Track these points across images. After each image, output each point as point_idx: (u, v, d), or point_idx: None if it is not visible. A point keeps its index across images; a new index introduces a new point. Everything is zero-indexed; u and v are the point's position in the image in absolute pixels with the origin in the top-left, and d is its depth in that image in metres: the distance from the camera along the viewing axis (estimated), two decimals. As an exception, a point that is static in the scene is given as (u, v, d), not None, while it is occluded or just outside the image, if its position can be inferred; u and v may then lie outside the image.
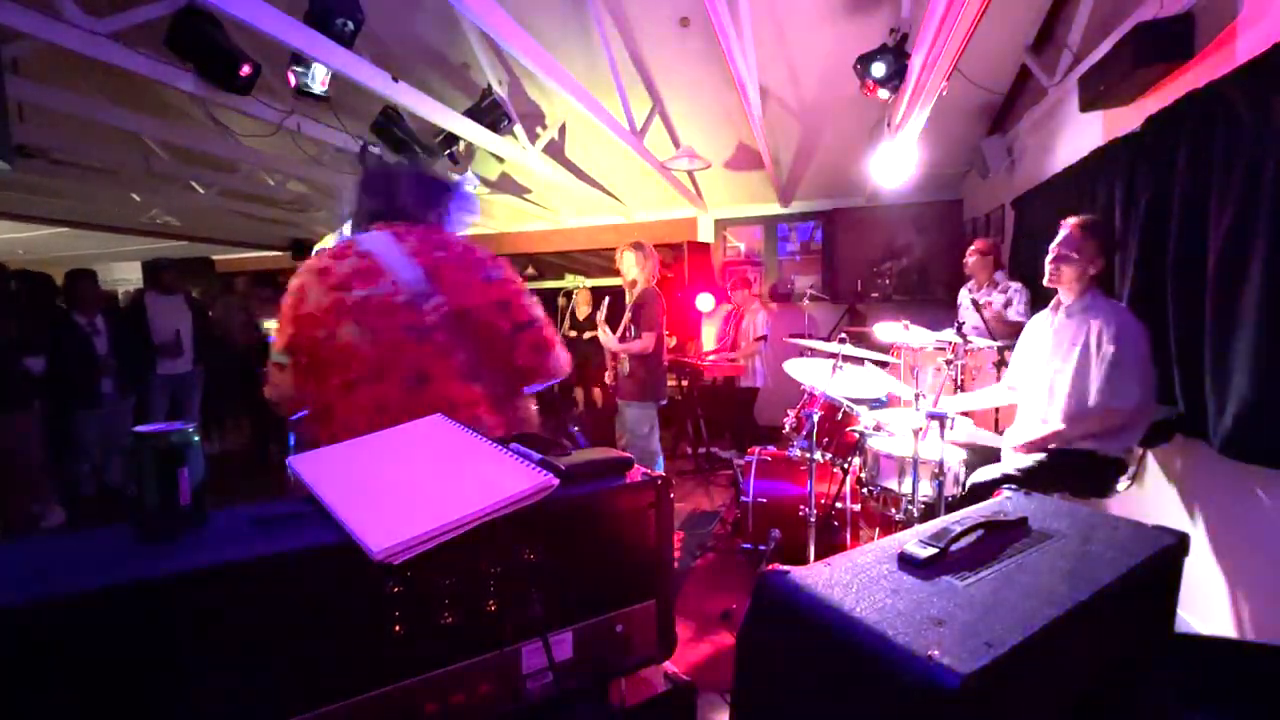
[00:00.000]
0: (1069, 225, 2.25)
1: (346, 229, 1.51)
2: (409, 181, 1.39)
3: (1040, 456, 2.23)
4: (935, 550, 0.82)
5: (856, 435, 2.84)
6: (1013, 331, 3.49)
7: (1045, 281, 2.32)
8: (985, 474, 2.29)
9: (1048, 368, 2.30)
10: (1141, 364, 2.09)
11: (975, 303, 3.67)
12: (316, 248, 1.53)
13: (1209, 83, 1.96)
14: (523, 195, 6.61)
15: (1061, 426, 2.19)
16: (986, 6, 2.05)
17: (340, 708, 0.71)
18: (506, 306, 1.29)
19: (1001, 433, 2.71)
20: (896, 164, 3.92)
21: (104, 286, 4.74)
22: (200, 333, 5.04)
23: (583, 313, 6.46)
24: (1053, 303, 2.37)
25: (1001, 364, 3.40)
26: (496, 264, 1.33)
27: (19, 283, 4.17)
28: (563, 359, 1.35)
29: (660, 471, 0.97)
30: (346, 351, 1.19)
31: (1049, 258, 2.27)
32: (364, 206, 1.39)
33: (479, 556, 0.80)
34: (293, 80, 3.27)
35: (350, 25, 2.82)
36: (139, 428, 0.74)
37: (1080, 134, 3.15)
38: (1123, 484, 2.30)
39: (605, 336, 3.61)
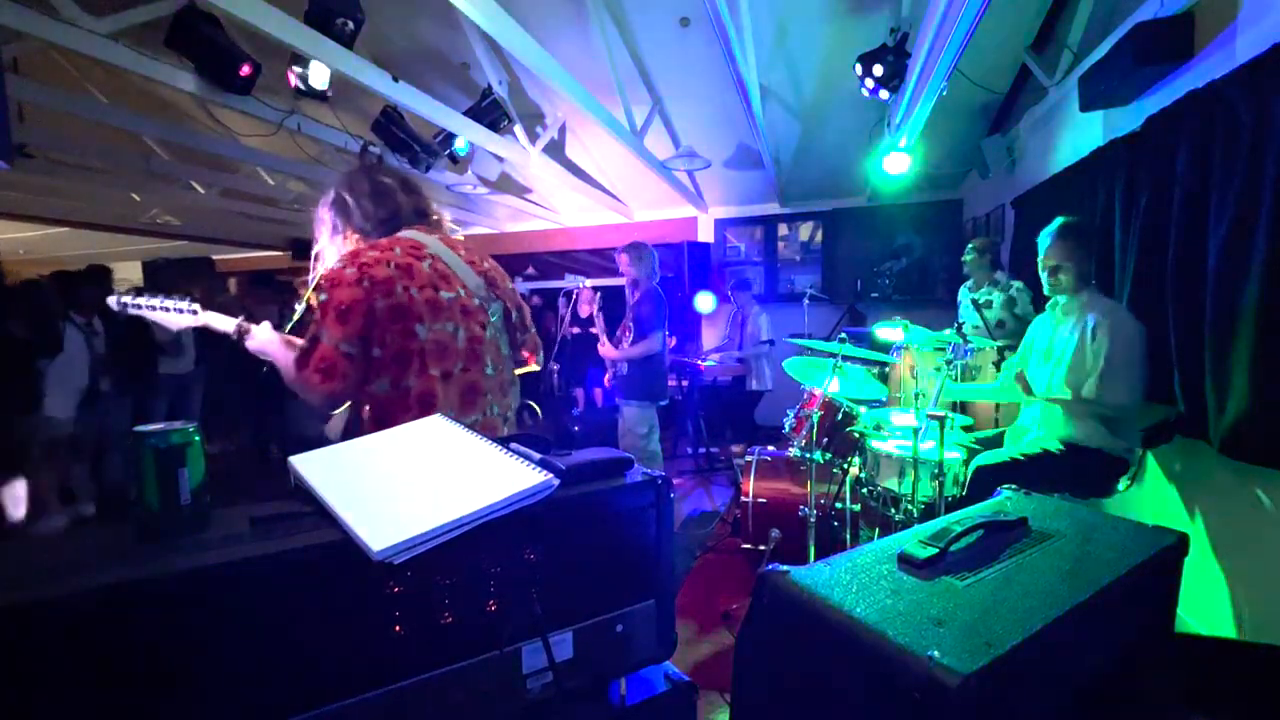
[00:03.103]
0: (1051, 236, 2.28)
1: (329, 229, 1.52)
2: (411, 186, 1.52)
3: (1048, 446, 2.25)
4: (935, 550, 0.82)
5: (856, 435, 2.84)
6: (1023, 329, 3.49)
7: (1047, 292, 2.37)
8: (988, 458, 2.30)
9: (1048, 365, 2.33)
10: (1134, 363, 2.11)
11: (976, 302, 3.66)
12: (342, 246, 1.54)
13: (1209, 83, 1.96)
14: (523, 195, 6.61)
15: (1066, 397, 2.19)
16: (986, 6, 2.05)
17: (340, 708, 0.70)
18: (522, 310, 1.59)
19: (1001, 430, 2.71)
20: (896, 164, 3.92)
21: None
22: (201, 333, 5.02)
23: (584, 311, 6.46)
24: (1051, 301, 2.39)
25: (1001, 364, 3.40)
26: (508, 273, 1.60)
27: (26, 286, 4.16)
28: (541, 355, 1.67)
29: (660, 471, 0.97)
30: (444, 345, 1.33)
31: (1044, 272, 2.32)
32: (408, 208, 1.48)
33: (479, 556, 0.80)
34: (293, 80, 3.27)
35: (350, 25, 2.82)
36: (139, 427, 0.74)
37: (1080, 134, 3.15)
38: (1123, 484, 2.31)
39: (605, 349, 3.61)
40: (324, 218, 1.48)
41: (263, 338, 1.49)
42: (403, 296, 1.29)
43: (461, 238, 1.56)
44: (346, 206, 1.46)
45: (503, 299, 1.49)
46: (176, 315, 1.56)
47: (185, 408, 4.99)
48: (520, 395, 1.58)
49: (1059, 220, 2.30)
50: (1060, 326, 2.32)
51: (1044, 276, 2.32)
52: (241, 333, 1.52)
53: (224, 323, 1.54)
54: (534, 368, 1.64)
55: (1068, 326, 2.28)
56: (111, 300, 1.55)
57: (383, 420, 1.28)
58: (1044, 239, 2.30)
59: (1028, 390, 2.27)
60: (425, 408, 1.29)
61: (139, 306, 1.54)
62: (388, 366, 1.29)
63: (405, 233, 1.43)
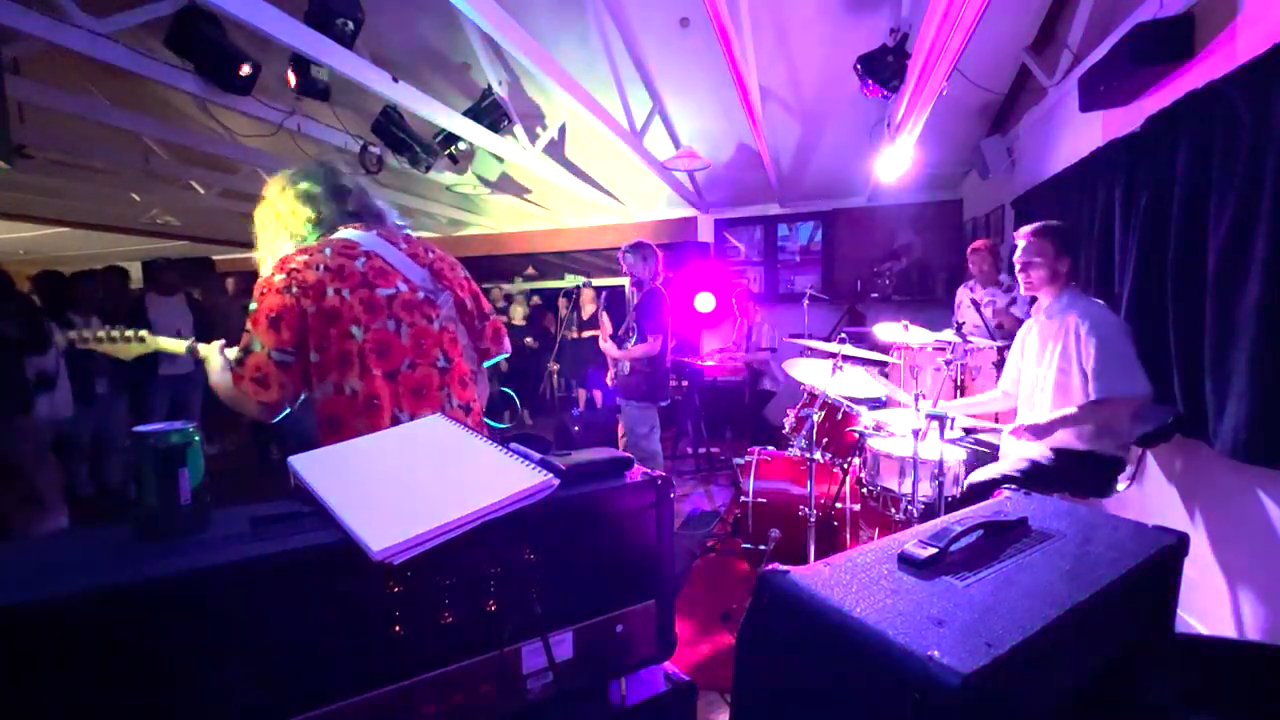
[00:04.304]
0: (1024, 234, 2.31)
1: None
2: (342, 187, 1.51)
3: (1037, 455, 2.24)
4: (935, 551, 0.82)
5: (856, 435, 2.84)
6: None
7: (1021, 291, 2.39)
8: (984, 473, 2.30)
9: (1035, 370, 2.34)
10: (1127, 353, 2.11)
11: (975, 303, 3.67)
12: (281, 250, 1.51)
13: (1209, 83, 1.96)
14: (523, 195, 6.61)
15: (1073, 410, 2.16)
16: (986, 6, 2.05)
17: (340, 708, 0.71)
18: (478, 299, 1.56)
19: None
20: (896, 164, 3.92)
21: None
22: (201, 333, 5.03)
23: (587, 312, 6.46)
24: (1034, 307, 2.40)
25: (1001, 364, 3.41)
26: (460, 264, 1.57)
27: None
28: (508, 341, 1.63)
29: (660, 471, 0.97)
30: (386, 343, 1.31)
31: (1016, 269, 2.34)
32: (340, 208, 1.47)
33: (479, 556, 0.80)
34: (293, 80, 3.27)
35: (350, 25, 2.82)
36: (139, 427, 0.74)
37: (1080, 134, 3.14)
38: (1122, 484, 2.30)
39: (607, 346, 3.61)
40: (261, 220, 1.48)
41: (206, 357, 1.44)
42: (334, 299, 1.27)
43: (408, 231, 1.54)
44: (278, 209, 1.46)
45: (452, 288, 1.47)
46: (125, 345, 1.53)
47: (185, 408, 4.99)
48: (491, 384, 1.58)
49: (1040, 222, 2.33)
50: (1045, 331, 2.33)
51: (1017, 270, 2.34)
52: (193, 353, 1.49)
53: (175, 345, 1.52)
54: (504, 355, 1.62)
55: (1052, 331, 2.29)
56: (59, 339, 1.53)
57: (332, 423, 1.28)
58: (1020, 237, 2.33)
59: (1029, 436, 2.21)
60: (370, 409, 1.27)
61: (86, 340, 1.52)
62: (329, 370, 1.27)
63: (339, 233, 1.41)
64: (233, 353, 1.36)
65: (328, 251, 1.32)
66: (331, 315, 1.26)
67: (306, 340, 1.26)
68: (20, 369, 3.39)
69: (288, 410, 1.31)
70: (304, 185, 1.45)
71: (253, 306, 1.27)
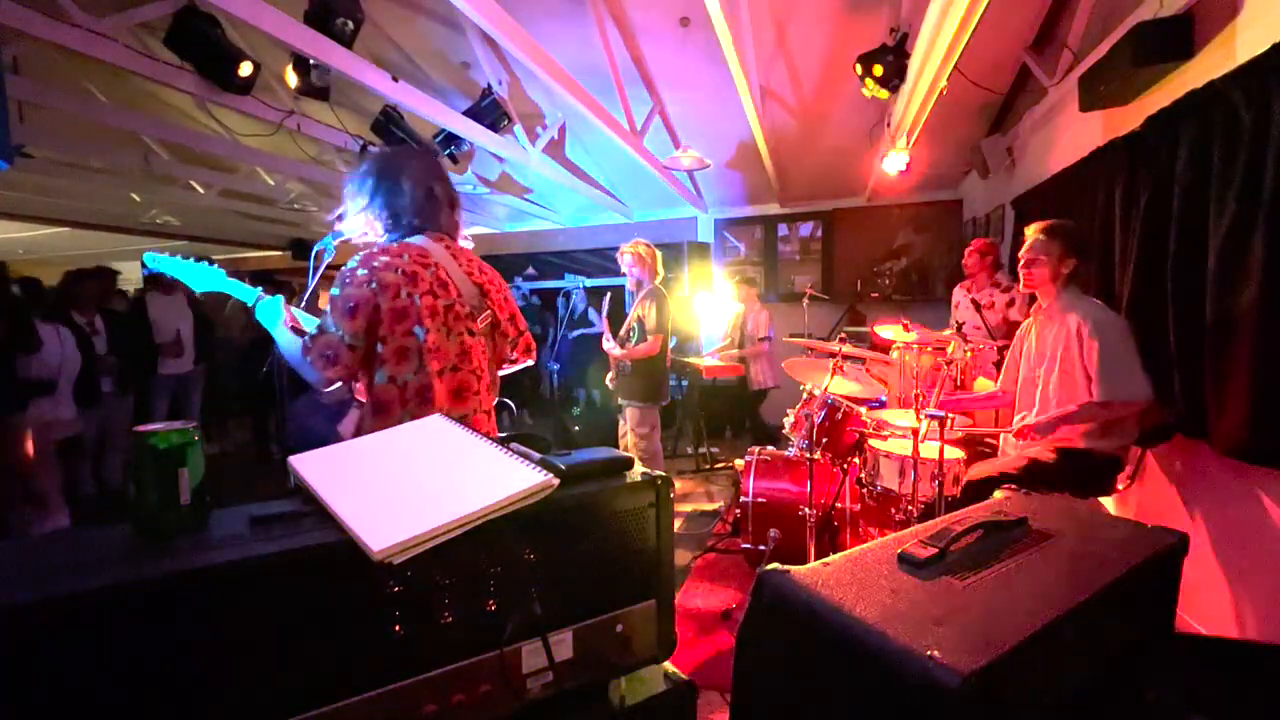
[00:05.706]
0: (1034, 230, 2.31)
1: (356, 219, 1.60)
2: (434, 194, 1.60)
3: (1038, 453, 2.24)
4: (935, 550, 0.82)
5: (856, 435, 2.83)
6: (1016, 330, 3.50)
7: (1020, 287, 2.39)
8: (982, 470, 2.30)
9: (1036, 371, 2.33)
10: (1131, 354, 2.11)
11: (975, 303, 3.66)
12: (364, 241, 1.59)
13: (1209, 83, 1.96)
14: (523, 195, 6.61)
15: (1072, 408, 2.17)
16: (986, 6, 2.05)
17: (340, 708, 0.70)
18: (515, 318, 1.72)
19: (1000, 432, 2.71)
20: (896, 163, 3.92)
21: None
22: (201, 332, 5.04)
23: (578, 311, 6.44)
24: (1034, 307, 2.39)
25: (1001, 364, 3.41)
26: (507, 284, 1.73)
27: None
28: (535, 353, 1.79)
29: (660, 471, 0.97)
30: (439, 346, 1.47)
31: (1020, 264, 2.33)
32: (428, 215, 1.57)
33: (479, 556, 0.80)
34: (294, 80, 3.27)
35: (350, 25, 2.82)
36: (139, 427, 0.74)
37: (1080, 134, 3.14)
38: (1122, 483, 2.30)
39: (609, 345, 3.61)
40: (353, 196, 1.58)
41: (264, 316, 1.54)
42: (405, 301, 1.43)
43: (471, 246, 1.69)
44: (366, 188, 1.57)
45: (493, 308, 1.62)
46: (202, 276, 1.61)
47: (185, 408, 4.99)
48: (499, 394, 1.71)
49: (1051, 220, 2.32)
50: (1044, 331, 2.32)
51: (1019, 266, 2.33)
52: (259, 300, 1.56)
53: (245, 293, 1.58)
54: (529, 362, 1.78)
55: (1052, 331, 2.28)
56: (147, 257, 1.61)
57: (380, 409, 1.44)
58: (1029, 231, 2.32)
59: (1034, 434, 2.21)
60: (422, 401, 1.44)
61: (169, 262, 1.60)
62: (387, 361, 1.44)
63: (416, 239, 1.55)
64: (302, 316, 1.52)
65: (405, 258, 1.47)
66: (400, 314, 1.43)
67: (376, 331, 1.42)
68: (12, 368, 3.38)
69: (340, 384, 1.46)
70: (404, 184, 1.56)
71: (334, 292, 1.41)
